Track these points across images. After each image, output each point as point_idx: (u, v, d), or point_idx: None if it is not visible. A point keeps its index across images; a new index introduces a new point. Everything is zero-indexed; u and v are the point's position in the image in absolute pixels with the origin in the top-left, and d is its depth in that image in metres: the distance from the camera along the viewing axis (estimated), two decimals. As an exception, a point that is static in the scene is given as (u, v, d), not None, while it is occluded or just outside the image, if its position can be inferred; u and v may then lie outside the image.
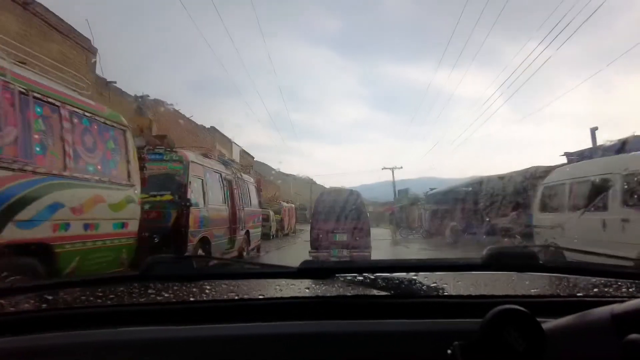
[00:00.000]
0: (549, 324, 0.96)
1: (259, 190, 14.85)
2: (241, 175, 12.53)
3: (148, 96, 17.01)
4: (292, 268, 1.20)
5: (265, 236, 24.32)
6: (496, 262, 1.18)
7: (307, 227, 23.47)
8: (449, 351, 0.93)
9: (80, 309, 1.23)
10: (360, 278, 1.27)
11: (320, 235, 11.55)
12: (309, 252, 11.30)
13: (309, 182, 58.40)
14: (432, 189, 29.07)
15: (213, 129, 24.89)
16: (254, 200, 13.73)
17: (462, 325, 1.07)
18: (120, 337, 1.08)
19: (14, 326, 1.11)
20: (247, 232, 12.03)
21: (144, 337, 1.08)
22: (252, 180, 14.36)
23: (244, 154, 31.83)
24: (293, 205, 36.01)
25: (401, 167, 46.54)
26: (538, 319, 0.92)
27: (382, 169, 46.98)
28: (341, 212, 11.94)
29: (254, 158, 33.97)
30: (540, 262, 1.19)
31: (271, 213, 28.91)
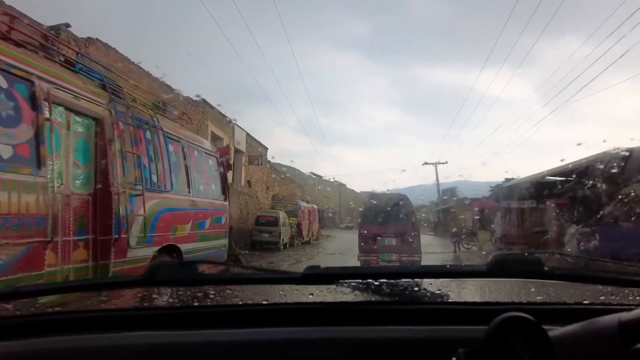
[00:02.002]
0: (555, 331, 0.97)
1: (223, 167, 8.45)
2: (156, 118, 5.90)
3: (69, 26, 11.52)
4: (296, 273, 1.20)
5: (273, 246, 20.45)
6: (501, 268, 1.17)
7: (335, 233, 26.53)
8: (453, 358, 0.93)
9: (84, 312, 1.27)
10: (365, 284, 1.29)
11: (369, 240, 11.43)
12: (358, 256, 11.34)
13: (338, 185, 56.08)
14: (508, 179, 19.94)
15: (203, 101, 16.04)
16: (203, 182, 7.16)
17: (467, 332, 1.08)
18: (125, 342, 1.10)
19: (19, 330, 1.13)
20: (175, 250, 5.79)
21: (148, 342, 1.11)
22: (205, 144, 7.99)
23: (252, 141, 22.89)
24: (315, 207, 27.34)
25: (446, 162, 42.80)
26: (544, 327, 0.93)
27: (424, 164, 41.10)
28: (390, 217, 11.64)
29: (267, 149, 25.32)
30: (546, 268, 1.16)
31: (281, 215, 22.97)
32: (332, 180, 53.93)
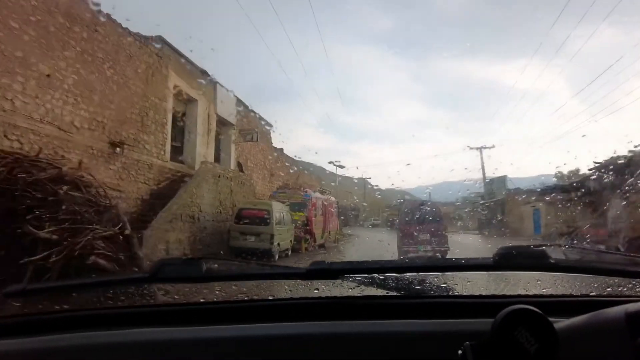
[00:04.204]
0: (561, 323, 1.01)
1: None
2: None
3: None
4: (301, 269, 1.25)
5: (263, 254, 13.05)
6: (507, 261, 1.20)
7: (359, 232, 27.45)
8: (459, 351, 0.97)
9: (91, 310, 1.35)
10: (370, 278, 1.34)
11: (408, 235, 14.67)
12: (400, 247, 14.39)
13: (362, 180, 50.45)
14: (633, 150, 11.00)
15: (160, 39, 6.40)
16: None
17: (473, 325, 1.12)
18: (131, 338, 1.16)
19: (27, 327, 1.20)
20: None
21: (155, 338, 1.16)
22: None
23: (247, 113, 13.83)
24: (333, 199, 19.04)
25: (493, 147, 36.49)
26: (550, 319, 0.96)
27: (466, 148, 36.25)
28: (423, 218, 15.02)
29: (272, 127, 18.03)
30: (552, 261, 1.19)
31: (276, 208, 15.30)
32: (355, 178, 52.68)
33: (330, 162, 41.69)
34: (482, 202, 37.55)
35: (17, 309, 1.25)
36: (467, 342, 0.94)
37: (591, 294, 1.32)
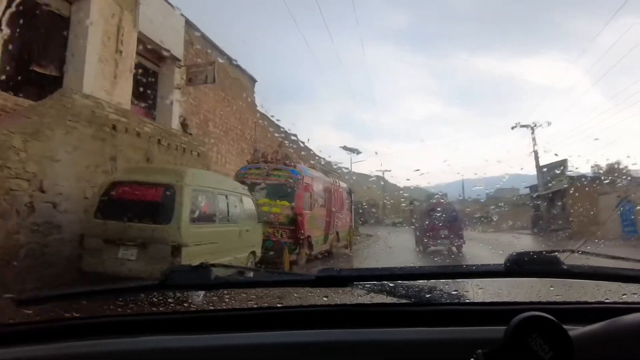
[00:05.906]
0: (576, 331, 0.98)
1: None
2: None
3: None
4: (310, 276, 1.26)
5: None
6: (519, 267, 1.17)
7: (378, 232, 23.59)
8: (471, 359, 1.04)
9: (101, 317, 1.37)
10: (380, 286, 1.35)
11: (429, 232, 17.74)
12: (423, 240, 17.74)
13: (380, 179, 44.77)
14: None
15: None
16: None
17: (485, 333, 1.12)
18: (141, 346, 1.18)
19: (38, 335, 1.23)
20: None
21: (164, 346, 1.18)
22: None
23: (205, 44, 2.52)
24: (344, 185, 9.19)
25: (549, 124, 28.17)
26: (565, 326, 0.92)
27: (513, 127, 28.31)
28: (443, 216, 17.46)
29: (255, 82, 6.88)
30: (565, 267, 1.17)
31: (190, 181, 6.31)
32: (373, 172, 49.02)
33: (342, 147, 35.19)
34: (532, 194, 30.16)
35: (28, 317, 1.27)
36: (479, 350, 0.92)
37: (606, 300, 1.32)
